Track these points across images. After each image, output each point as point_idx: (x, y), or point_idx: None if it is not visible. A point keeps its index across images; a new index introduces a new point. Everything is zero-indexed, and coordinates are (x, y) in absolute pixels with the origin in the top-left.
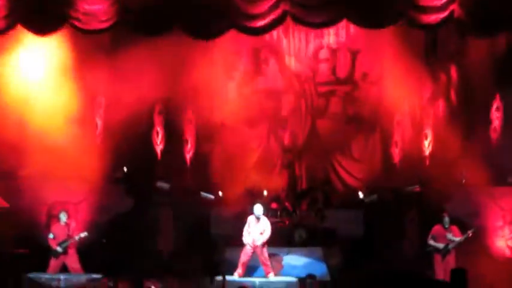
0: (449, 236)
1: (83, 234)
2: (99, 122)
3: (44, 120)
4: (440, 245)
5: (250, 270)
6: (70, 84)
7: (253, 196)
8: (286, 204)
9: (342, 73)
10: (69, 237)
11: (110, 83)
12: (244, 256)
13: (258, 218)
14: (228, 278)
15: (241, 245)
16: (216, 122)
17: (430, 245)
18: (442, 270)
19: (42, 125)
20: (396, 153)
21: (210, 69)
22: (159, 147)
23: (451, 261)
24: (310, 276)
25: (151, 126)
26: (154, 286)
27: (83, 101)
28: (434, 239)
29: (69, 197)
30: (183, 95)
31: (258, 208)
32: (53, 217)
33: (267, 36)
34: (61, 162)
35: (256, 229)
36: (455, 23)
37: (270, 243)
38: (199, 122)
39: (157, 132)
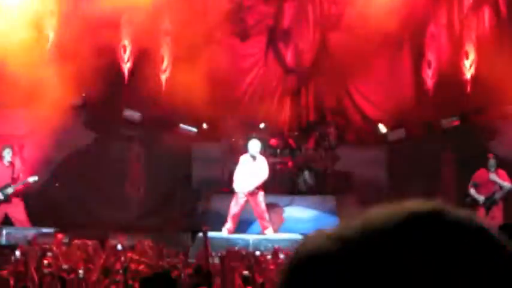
0: (495, 178)
1: (32, 179)
2: (51, 33)
3: None
4: (483, 196)
5: (243, 225)
6: None
7: (247, 129)
8: (289, 140)
9: None
10: (14, 181)
11: None
12: (235, 206)
13: (253, 157)
14: (214, 234)
15: (232, 192)
16: (198, 32)
17: (471, 195)
18: None
19: None
20: (429, 76)
21: None
22: (126, 66)
23: (497, 215)
24: None
25: (116, 39)
26: (121, 243)
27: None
28: (477, 186)
29: (13, 128)
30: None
31: (254, 145)
32: None
33: None
34: (2, 83)
35: (251, 172)
36: None
37: (267, 190)
38: (176, 33)
39: (124, 47)
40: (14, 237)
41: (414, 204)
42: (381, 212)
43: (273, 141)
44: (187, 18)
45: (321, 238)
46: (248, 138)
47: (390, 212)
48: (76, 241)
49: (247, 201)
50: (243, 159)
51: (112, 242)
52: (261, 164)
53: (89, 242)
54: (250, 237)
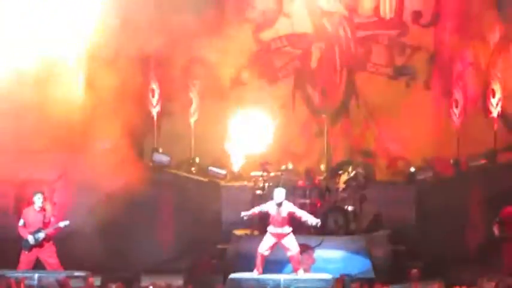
0: None
1: (63, 224)
2: (82, 78)
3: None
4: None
5: (275, 266)
6: None
7: (276, 170)
8: (317, 181)
9: (387, 13)
10: (45, 225)
11: None
12: (264, 247)
13: (279, 205)
14: (245, 275)
15: (262, 233)
16: (227, 76)
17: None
18: None
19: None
20: (456, 115)
21: (218, 8)
22: (155, 110)
23: None
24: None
25: (145, 83)
26: (153, 286)
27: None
28: (503, 224)
29: (44, 173)
30: (184, 42)
31: (279, 193)
32: (23, 200)
33: None
34: (33, 129)
35: (279, 219)
36: None
37: (298, 231)
38: (206, 77)
39: (153, 91)
40: (46, 281)
41: None
42: None
43: (301, 183)
44: (215, 60)
45: None
46: (275, 185)
47: None
48: (109, 284)
49: (277, 243)
50: (268, 206)
51: (144, 283)
52: (287, 209)
53: (121, 285)
54: (281, 277)
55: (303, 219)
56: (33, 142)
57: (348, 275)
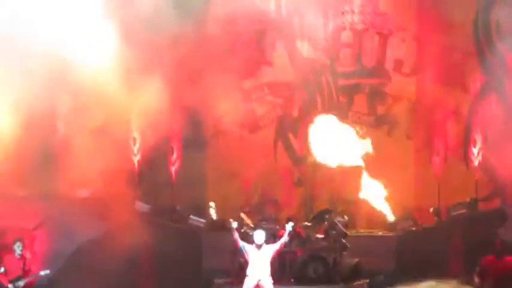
0: None
1: (43, 272)
2: (61, 126)
3: None
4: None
5: None
6: None
7: (256, 219)
8: (298, 229)
9: (368, 61)
10: (25, 274)
11: None
12: None
13: (258, 246)
14: None
15: (242, 282)
16: (208, 125)
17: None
18: None
19: None
20: (437, 164)
21: (201, 57)
22: (136, 158)
23: None
24: None
25: (126, 131)
26: None
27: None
28: (483, 274)
29: (24, 221)
30: (166, 89)
31: (259, 235)
32: (4, 247)
33: (272, 14)
34: (11, 176)
35: (259, 261)
36: None
37: (278, 280)
38: (187, 125)
39: (134, 139)
40: None
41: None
42: None
43: (281, 232)
44: (197, 108)
45: None
46: (255, 229)
47: None
48: None
49: (257, 286)
50: (248, 248)
51: None
52: (266, 253)
53: None
54: None
55: (282, 241)
56: (11, 189)
57: None
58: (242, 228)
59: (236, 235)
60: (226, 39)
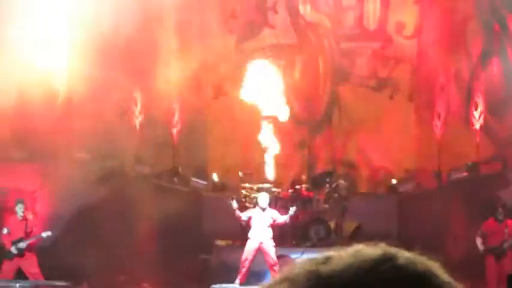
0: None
1: (45, 234)
2: (62, 89)
3: None
4: (492, 246)
5: (256, 276)
6: None
7: (258, 181)
8: (301, 192)
9: (370, 24)
10: (27, 235)
11: None
12: (247, 255)
13: (263, 209)
14: (226, 286)
15: (243, 244)
16: (209, 86)
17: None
18: (495, 275)
19: None
20: (439, 128)
21: (203, 17)
22: (137, 119)
23: (507, 264)
24: None
25: (126, 91)
26: None
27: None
28: (485, 236)
29: (26, 183)
30: (167, 52)
31: (264, 198)
32: (6, 209)
33: None
34: (13, 138)
35: (262, 224)
36: None
37: (279, 242)
38: (188, 86)
39: (135, 100)
40: None
41: (367, 250)
42: (339, 259)
43: (283, 194)
44: (198, 71)
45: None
46: (258, 191)
47: (347, 262)
48: None
49: (258, 251)
50: (252, 213)
51: None
52: (271, 216)
53: None
54: None
55: (283, 220)
56: (12, 151)
57: None
58: (244, 198)
59: (237, 212)
60: (228, 1)
